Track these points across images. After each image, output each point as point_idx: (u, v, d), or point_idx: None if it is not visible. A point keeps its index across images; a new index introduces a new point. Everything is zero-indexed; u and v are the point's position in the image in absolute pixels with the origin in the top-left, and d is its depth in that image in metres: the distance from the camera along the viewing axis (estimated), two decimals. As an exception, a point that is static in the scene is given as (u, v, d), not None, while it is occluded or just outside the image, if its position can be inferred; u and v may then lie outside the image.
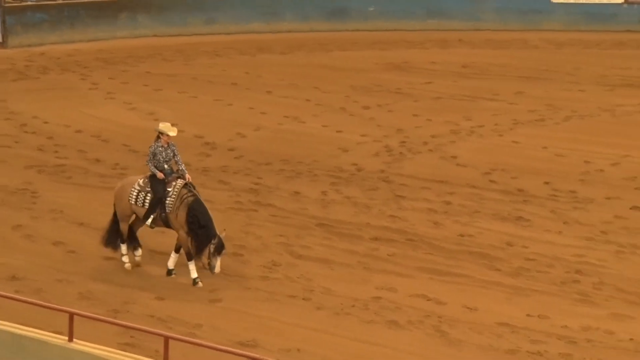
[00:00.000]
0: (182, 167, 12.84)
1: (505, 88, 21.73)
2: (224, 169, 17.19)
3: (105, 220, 14.03)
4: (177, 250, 12.80)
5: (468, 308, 11.93)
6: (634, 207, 15.11)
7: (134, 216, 12.96)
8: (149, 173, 12.84)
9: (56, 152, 17.81)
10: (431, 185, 16.19)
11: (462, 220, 14.76)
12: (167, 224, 12.72)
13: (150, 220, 12.68)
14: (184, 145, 18.63)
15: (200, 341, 10.02)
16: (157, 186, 12.68)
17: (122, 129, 19.17)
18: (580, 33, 26.87)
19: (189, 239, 12.54)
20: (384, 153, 17.88)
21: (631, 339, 11.18)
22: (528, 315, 11.83)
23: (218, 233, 12.44)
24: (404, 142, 18.43)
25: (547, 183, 16.24)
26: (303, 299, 12.32)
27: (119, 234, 12.99)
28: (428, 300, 12.19)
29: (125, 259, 12.99)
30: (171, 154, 12.82)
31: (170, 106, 20.61)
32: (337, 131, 19.09)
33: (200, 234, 12.41)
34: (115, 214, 13.06)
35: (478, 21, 27.48)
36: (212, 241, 12.37)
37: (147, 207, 12.66)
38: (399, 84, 22.19)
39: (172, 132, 12.83)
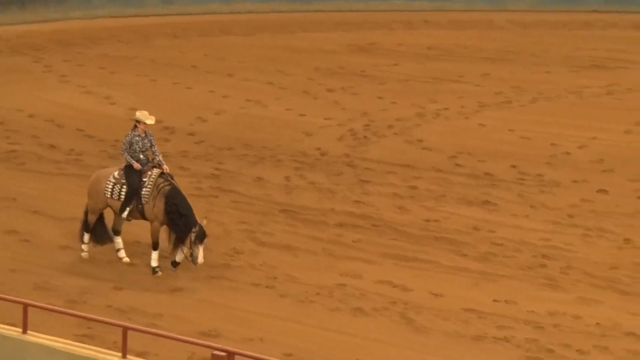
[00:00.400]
0: (160, 157, 12.64)
1: (471, 70, 21.85)
2: (184, 154, 17.08)
3: (61, 208, 13.88)
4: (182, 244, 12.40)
5: (434, 294, 12.00)
6: (600, 190, 15.29)
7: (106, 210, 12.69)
8: (124, 164, 12.65)
9: (8, 137, 17.56)
10: (396, 169, 16.24)
11: (428, 205, 14.83)
12: (144, 216, 12.53)
13: (126, 213, 12.49)
14: (143, 130, 18.51)
15: (160, 331, 9.97)
16: (133, 177, 12.49)
17: (77, 114, 18.97)
18: (546, 13, 27.06)
19: (169, 230, 12.36)
20: (349, 137, 17.90)
21: (598, 324, 11.33)
22: (495, 300, 11.93)
23: (199, 221, 12.32)
24: (368, 125, 18.45)
25: (513, 166, 16.36)
26: (266, 287, 12.31)
27: (105, 228, 12.74)
28: (394, 286, 12.24)
29: (85, 247, 12.87)
30: (148, 144, 12.61)
31: (127, 90, 20.43)
32: (301, 115, 19.07)
33: (181, 224, 12.21)
34: (87, 208, 12.75)
35: (444, 1, 27.56)
36: (193, 229, 12.20)
37: (122, 199, 12.50)
38: (364, 66, 22.20)
39: (150, 121, 12.61)
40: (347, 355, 10.78)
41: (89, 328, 11.05)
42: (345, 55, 23.24)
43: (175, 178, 12.74)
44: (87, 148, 17.20)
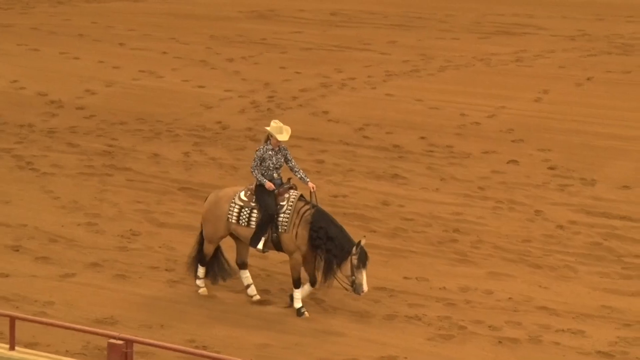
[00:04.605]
0: (302, 173, 11.20)
1: (377, 37, 22.01)
2: (72, 130, 16.76)
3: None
4: (312, 284, 11.24)
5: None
6: (511, 161, 15.66)
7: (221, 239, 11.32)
8: (252, 184, 11.23)
9: None
10: (302, 142, 16.29)
11: (335, 179, 14.93)
12: (279, 247, 11.14)
13: (262, 243, 11.06)
14: (26, 104, 18.10)
15: (51, 320, 9.80)
16: (267, 200, 11.02)
17: (-47, 87, 18.35)
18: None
19: (314, 260, 11.03)
20: (251, 109, 17.85)
21: (510, 298, 11.64)
22: (405, 277, 12.12)
23: (356, 241, 10.95)
24: (271, 97, 18.43)
25: (422, 138, 16.60)
26: (166, 270, 12.22)
27: (222, 262, 11.49)
28: (301, 266, 12.31)
29: (200, 283, 11.49)
30: (282, 159, 11.16)
31: (7, 60, 19.88)
32: (199, 86, 18.90)
33: (333, 248, 10.85)
34: (201, 236, 11.49)
35: (347, -35, 27.55)
36: (353, 252, 10.86)
37: (253, 226, 11.10)
38: (265, 34, 22.12)
39: (283, 137, 11.03)
40: (254, 339, 10.81)
41: (-28, 320, 10.76)
42: (244, 23, 23.11)
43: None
44: (-35, 125, 16.66)
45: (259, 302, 11.51)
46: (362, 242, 11.02)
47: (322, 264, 11.01)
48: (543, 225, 13.42)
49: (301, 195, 11.18)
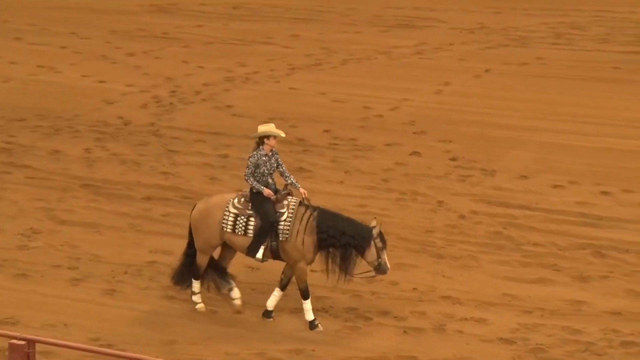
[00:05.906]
0: (292, 179, 10.85)
1: (279, 31, 22.05)
2: (-32, 127, 16.33)
3: None
4: (283, 288, 10.95)
5: (250, 267, 12.12)
6: (413, 153, 15.90)
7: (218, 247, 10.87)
8: (243, 190, 10.91)
9: None
10: (206, 137, 16.22)
11: (240, 174, 14.86)
12: (279, 256, 10.76)
13: (261, 252, 10.68)
14: None
15: (-50, 324, 9.54)
16: (266, 207, 10.64)
17: None
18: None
19: (331, 257, 10.69)
20: (153, 104, 17.68)
21: (414, 289, 11.84)
22: (312, 270, 12.16)
23: (371, 225, 10.69)
24: (174, 91, 18.29)
25: (327, 131, 16.72)
26: (69, 268, 12.04)
27: (193, 268, 10.94)
28: (207, 261, 12.27)
29: (196, 298, 10.99)
30: (275, 164, 10.82)
31: None
32: (100, 81, 18.63)
33: (351, 240, 10.58)
34: (190, 245, 10.99)
35: (248, -42, 27.50)
36: (374, 236, 10.60)
37: (250, 235, 10.69)
38: (166, 28, 21.92)
39: (282, 133, 10.73)
40: (160, 336, 10.73)
41: None
42: (144, 16, 22.85)
43: (309, 202, 10.75)
44: None
45: (166, 299, 11.42)
46: (374, 224, 10.71)
47: (337, 260, 10.69)
48: (445, 216, 13.67)
49: (301, 201, 10.87)
